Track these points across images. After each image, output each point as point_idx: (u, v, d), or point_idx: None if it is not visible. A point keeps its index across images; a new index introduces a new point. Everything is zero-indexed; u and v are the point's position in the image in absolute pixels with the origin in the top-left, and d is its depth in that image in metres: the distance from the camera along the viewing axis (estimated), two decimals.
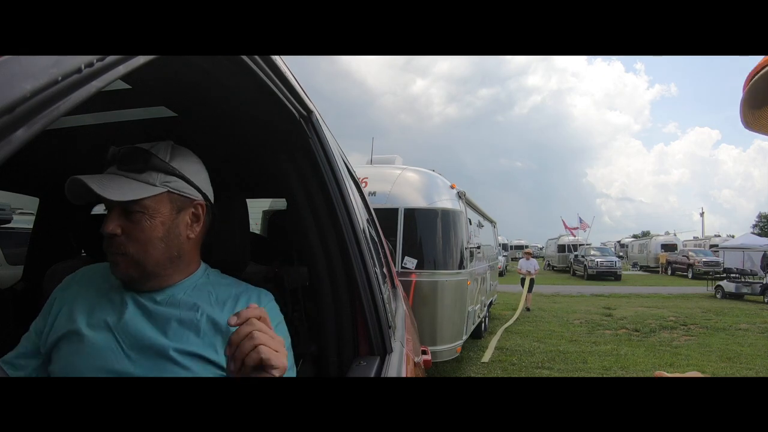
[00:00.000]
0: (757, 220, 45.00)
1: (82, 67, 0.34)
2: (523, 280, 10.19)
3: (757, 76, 0.62)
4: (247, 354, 0.63)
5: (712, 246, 22.78)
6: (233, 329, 0.83)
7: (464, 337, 5.05)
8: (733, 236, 23.77)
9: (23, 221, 4.30)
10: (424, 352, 2.02)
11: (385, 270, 1.75)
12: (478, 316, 6.27)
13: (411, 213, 4.64)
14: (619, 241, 40.10)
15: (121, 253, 0.79)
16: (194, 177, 0.86)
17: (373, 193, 4.62)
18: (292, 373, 0.88)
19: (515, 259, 34.49)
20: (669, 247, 25.11)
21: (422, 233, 4.68)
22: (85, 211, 1.67)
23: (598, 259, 20.14)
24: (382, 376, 1.01)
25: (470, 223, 5.73)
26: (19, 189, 1.85)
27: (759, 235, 24.10)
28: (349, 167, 1.69)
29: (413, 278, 4.38)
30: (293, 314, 1.26)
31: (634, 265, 28.60)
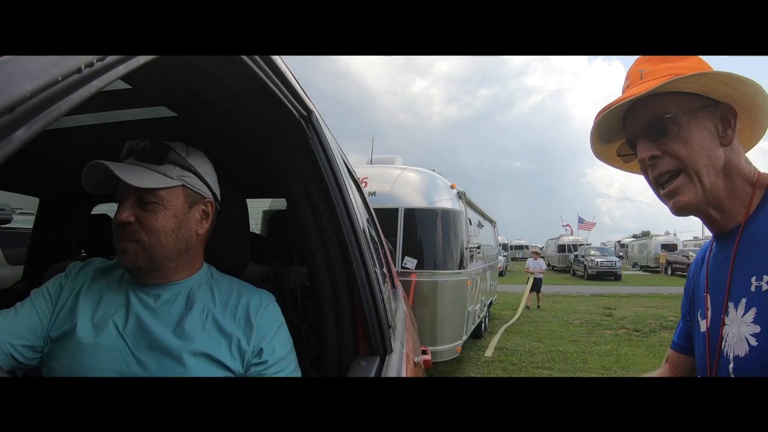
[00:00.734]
0: None
1: (82, 67, 0.34)
2: (528, 280, 10.23)
3: (601, 116, 0.72)
4: None
5: None
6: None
7: (464, 337, 5.05)
8: None
9: (23, 221, 4.30)
10: (424, 352, 2.02)
11: (385, 270, 1.75)
12: (478, 316, 6.27)
13: (411, 213, 4.64)
14: (619, 241, 40.13)
15: (134, 240, 0.80)
16: (206, 176, 0.89)
17: (373, 193, 4.62)
18: (297, 373, 0.89)
19: (515, 259, 34.50)
20: (669, 247, 25.12)
21: (422, 233, 4.68)
22: (85, 211, 1.67)
23: (598, 259, 20.15)
24: (382, 376, 1.01)
25: (470, 223, 5.73)
26: (19, 189, 1.85)
27: None
28: (349, 167, 1.69)
29: (413, 278, 4.38)
30: (293, 314, 1.26)
31: (634, 265, 28.61)
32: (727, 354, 0.70)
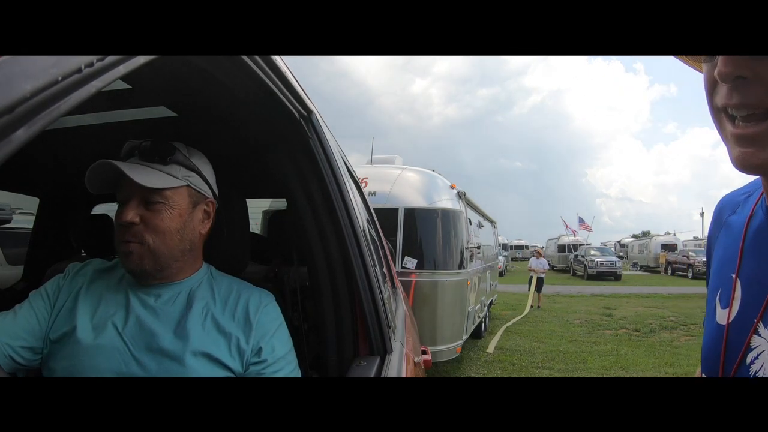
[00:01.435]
0: None
1: (82, 67, 0.34)
2: (531, 279, 10.23)
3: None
4: None
5: None
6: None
7: (464, 337, 5.05)
8: None
9: (23, 221, 4.30)
10: (424, 352, 2.02)
11: (385, 270, 1.75)
12: (478, 316, 6.27)
13: (411, 213, 4.64)
14: (619, 241, 40.09)
15: (138, 242, 0.80)
16: (208, 176, 0.90)
17: (373, 193, 4.62)
18: (296, 373, 0.89)
19: (515, 259, 34.50)
20: (669, 247, 25.10)
21: (422, 233, 4.68)
22: (85, 211, 1.67)
23: (598, 259, 20.13)
24: (382, 376, 1.01)
25: (470, 223, 5.73)
26: (19, 189, 1.85)
27: None
28: (349, 167, 1.69)
29: (413, 278, 4.38)
30: (293, 314, 1.26)
31: (634, 265, 28.60)
32: (753, 370, 0.51)
